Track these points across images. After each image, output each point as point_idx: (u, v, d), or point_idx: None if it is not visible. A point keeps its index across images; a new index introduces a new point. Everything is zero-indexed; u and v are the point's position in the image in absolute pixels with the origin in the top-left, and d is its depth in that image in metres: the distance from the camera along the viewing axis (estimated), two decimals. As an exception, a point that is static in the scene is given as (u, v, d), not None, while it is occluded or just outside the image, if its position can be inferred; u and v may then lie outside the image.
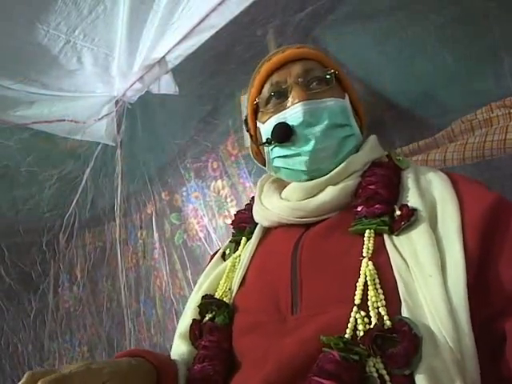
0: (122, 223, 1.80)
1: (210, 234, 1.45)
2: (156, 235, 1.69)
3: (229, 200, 1.41)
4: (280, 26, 1.13)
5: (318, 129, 0.67)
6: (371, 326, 0.49)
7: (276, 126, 0.69)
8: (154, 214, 1.71)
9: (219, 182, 1.45)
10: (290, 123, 0.68)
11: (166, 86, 1.53)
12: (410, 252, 0.54)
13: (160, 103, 1.60)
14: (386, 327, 0.48)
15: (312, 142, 0.66)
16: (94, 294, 1.97)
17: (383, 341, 0.47)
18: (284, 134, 0.68)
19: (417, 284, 0.50)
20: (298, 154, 0.68)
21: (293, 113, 0.68)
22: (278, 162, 0.73)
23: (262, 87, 0.76)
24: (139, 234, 1.82)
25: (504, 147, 0.74)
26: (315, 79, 0.71)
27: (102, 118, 1.78)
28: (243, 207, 0.85)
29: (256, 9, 1.17)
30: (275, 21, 1.14)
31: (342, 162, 0.67)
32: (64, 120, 1.69)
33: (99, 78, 1.59)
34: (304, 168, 0.68)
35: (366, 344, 0.47)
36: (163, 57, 1.48)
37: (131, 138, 1.76)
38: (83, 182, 1.78)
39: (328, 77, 0.71)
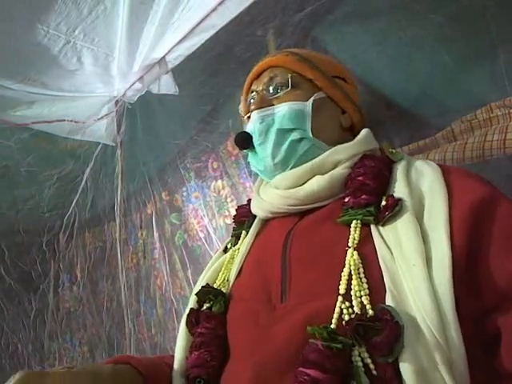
0: (122, 223, 1.81)
1: (210, 234, 1.45)
2: (156, 235, 1.69)
3: (229, 200, 1.41)
4: (280, 25, 1.13)
5: (268, 136, 0.71)
6: (353, 316, 0.49)
7: (237, 134, 0.74)
8: (154, 213, 1.71)
9: (219, 182, 1.45)
10: (251, 132, 0.73)
11: (166, 86, 1.53)
12: (395, 241, 0.54)
13: (160, 103, 1.60)
14: (368, 316, 0.48)
15: (261, 149, 0.71)
16: (94, 294, 1.97)
17: (366, 330, 0.47)
18: (241, 142, 0.74)
19: (401, 273, 0.50)
20: (259, 160, 0.73)
21: (251, 121, 0.73)
22: (253, 166, 0.77)
23: (246, 96, 0.81)
24: (139, 234, 1.82)
25: (504, 147, 0.74)
26: (278, 85, 0.73)
27: (102, 117, 1.79)
28: (243, 207, 0.86)
29: (256, 9, 1.17)
30: (275, 21, 1.14)
31: (299, 164, 0.69)
32: (64, 120, 1.70)
33: (99, 78, 1.59)
34: (266, 171, 0.73)
35: (348, 333, 0.47)
36: (163, 57, 1.48)
37: (131, 138, 1.76)
38: (83, 182, 1.79)
39: (287, 81, 0.73)
